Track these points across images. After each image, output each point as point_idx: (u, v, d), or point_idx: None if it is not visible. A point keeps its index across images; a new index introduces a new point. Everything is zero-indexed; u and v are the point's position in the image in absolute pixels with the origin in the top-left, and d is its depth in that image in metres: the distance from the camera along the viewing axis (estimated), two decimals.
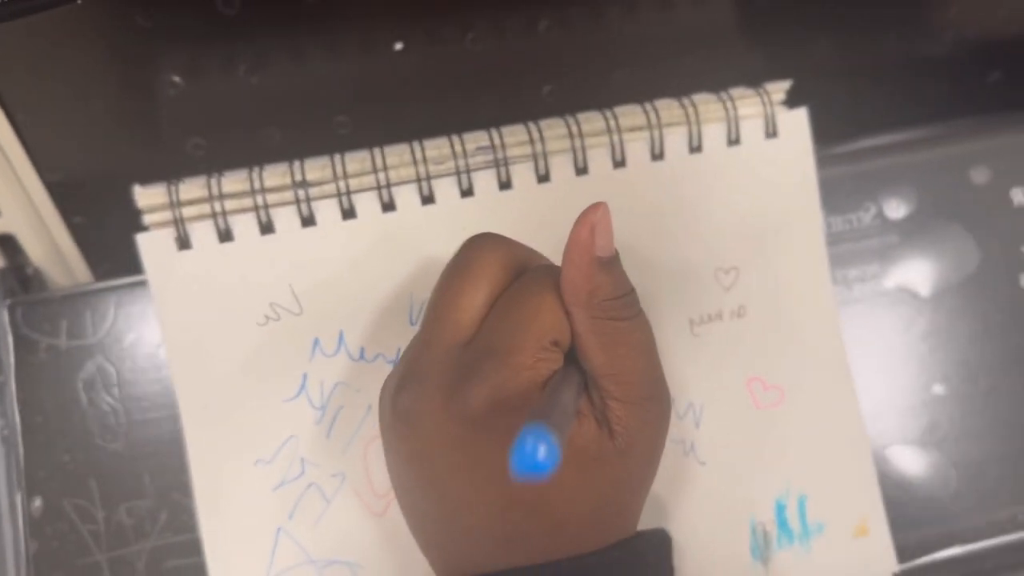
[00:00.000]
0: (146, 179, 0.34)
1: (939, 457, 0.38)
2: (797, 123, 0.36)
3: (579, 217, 0.28)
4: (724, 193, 0.36)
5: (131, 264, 0.36)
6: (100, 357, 0.36)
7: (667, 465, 0.31)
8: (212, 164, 0.35)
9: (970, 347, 0.39)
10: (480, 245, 0.30)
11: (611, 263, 0.28)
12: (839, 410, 0.37)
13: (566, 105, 0.36)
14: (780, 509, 0.36)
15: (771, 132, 0.36)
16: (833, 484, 0.36)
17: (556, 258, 0.33)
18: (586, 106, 0.36)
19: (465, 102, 0.39)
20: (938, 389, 0.39)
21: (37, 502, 0.35)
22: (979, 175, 0.40)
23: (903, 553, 0.37)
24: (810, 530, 0.36)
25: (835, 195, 0.39)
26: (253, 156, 0.35)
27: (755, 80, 0.36)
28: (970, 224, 0.40)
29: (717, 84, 0.36)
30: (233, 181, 0.34)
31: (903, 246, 0.39)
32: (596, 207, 0.28)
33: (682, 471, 0.36)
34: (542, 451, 0.21)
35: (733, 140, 0.36)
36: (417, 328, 0.35)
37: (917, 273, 0.39)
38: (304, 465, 0.35)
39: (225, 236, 0.34)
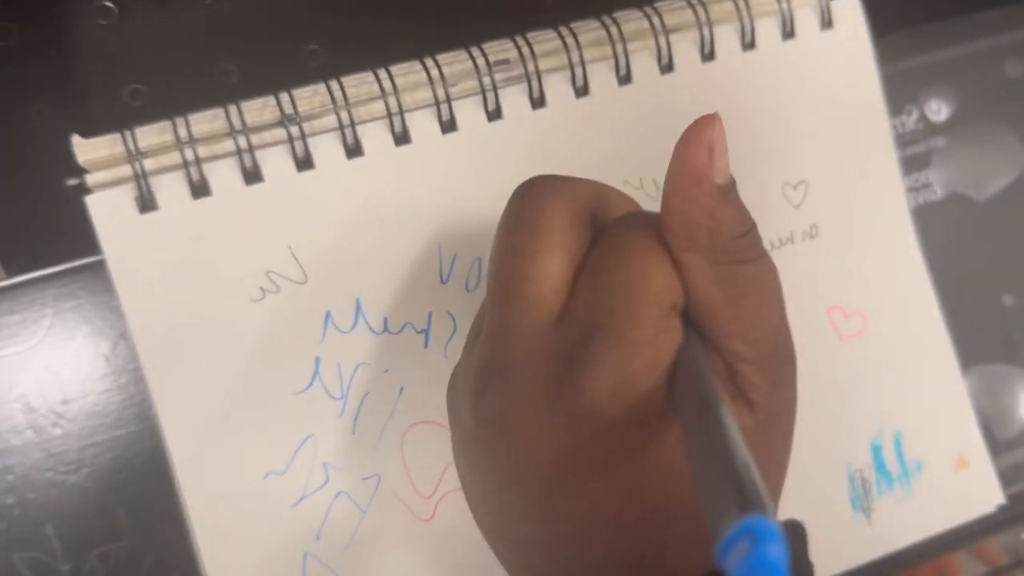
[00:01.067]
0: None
1: (1018, 372, 0.35)
2: (852, 11, 0.32)
3: (687, 134, 0.22)
4: (783, 95, 0.31)
5: (59, 248, 0.29)
6: (39, 367, 0.28)
7: None
8: (157, 115, 0.28)
9: None
10: (543, 193, 0.24)
11: (732, 191, 0.22)
12: (925, 334, 0.33)
13: (572, 9, 0.31)
14: (876, 451, 0.32)
15: (826, 22, 0.31)
16: (927, 416, 0.32)
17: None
18: (595, 10, 0.30)
19: (453, 17, 0.32)
20: (1008, 300, 0.35)
21: None
22: (1016, 69, 0.37)
23: (1001, 481, 0.33)
24: (909, 470, 0.32)
25: None
26: (210, 101, 0.28)
27: None
28: (1013, 122, 0.37)
29: None
30: (205, 121, 0.27)
31: (950, 148, 0.36)
32: (710, 120, 0.21)
33: None
34: (774, 550, 0.15)
35: (788, 33, 0.31)
36: (450, 287, 0.28)
37: (968, 177, 0.36)
38: (328, 471, 0.28)
39: (200, 190, 0.27)
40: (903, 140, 0.35)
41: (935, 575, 0.37)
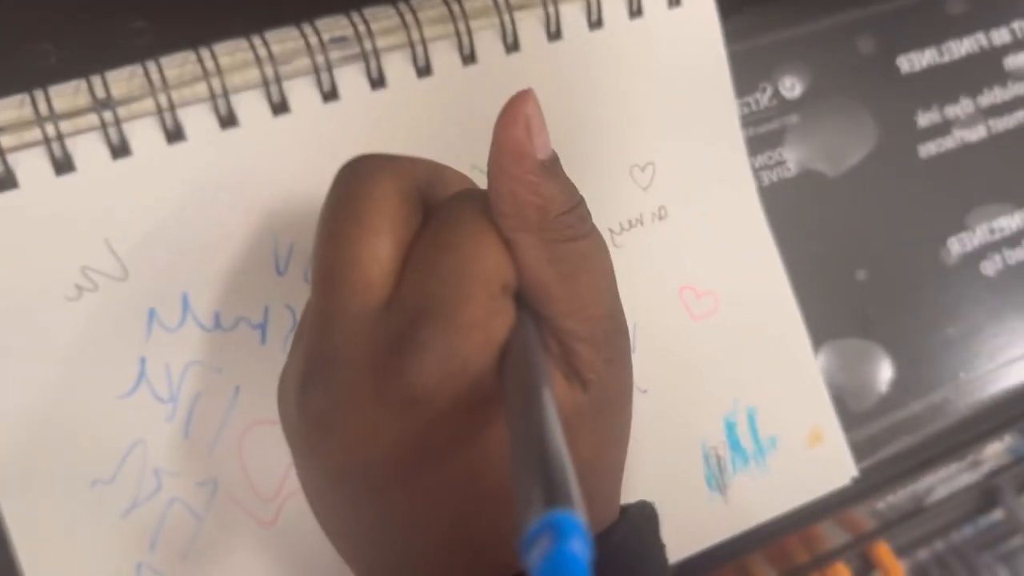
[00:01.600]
0: None
1: (871, 347, 0.35)
2: None
3: (504, 112, 0.21)
4: (629, 75, 0.31)
5: None
6: None
7: None
8: None
9: (884, 226, 0.36)
10: (365, 173, 0.22)
11: (555, 166, 0.21)
12: (777, 311, 0.33)
13: None
14: (731, 428, 0.32)
15: (675, 0, 0.31)
16: (781, 393, 0.33)
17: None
18: None
19: None
20: (860, 274, 0.36)
21: None
22: (865, 45, 0.37)
23: (854, 454, 0.34)
24: (764, 447, 0.32)
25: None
26: (24, 83, 0.26)
27: None
28: (864, 96, 0.37)
29: None
30: (7, 107, 0.24)
31: (802, 124, 0.36)
32: (524, 96, 0.21)
33: None
34: (577, 548, 0.14)
35: (635, 12, 0.30)
36: (287, 278, 0.27)
37: (821, 153, 0.36)
38: (160, 477, 0.26)
39: (6, 182, 0.24)
40: (757, 118, 0.35)
41: (798, 541, 0.38)
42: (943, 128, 0.38)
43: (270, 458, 0.27)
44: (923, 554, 0.48)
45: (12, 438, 0.25)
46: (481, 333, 0.21)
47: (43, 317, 0.25)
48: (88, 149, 0.25)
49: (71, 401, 0.25)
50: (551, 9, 0.29)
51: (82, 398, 0.25)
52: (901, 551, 0.46)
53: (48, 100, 0.25)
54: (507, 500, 0.21)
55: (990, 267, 0.38)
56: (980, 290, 0.38)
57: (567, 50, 0.30)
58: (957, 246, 0.38)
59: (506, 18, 0.29)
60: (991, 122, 0.39)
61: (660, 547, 0.26)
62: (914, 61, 0.38)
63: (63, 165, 0.25)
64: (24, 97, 0.25)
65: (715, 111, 0.32)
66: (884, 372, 0.35)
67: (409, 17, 0.28)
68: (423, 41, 0.28)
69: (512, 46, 0.29)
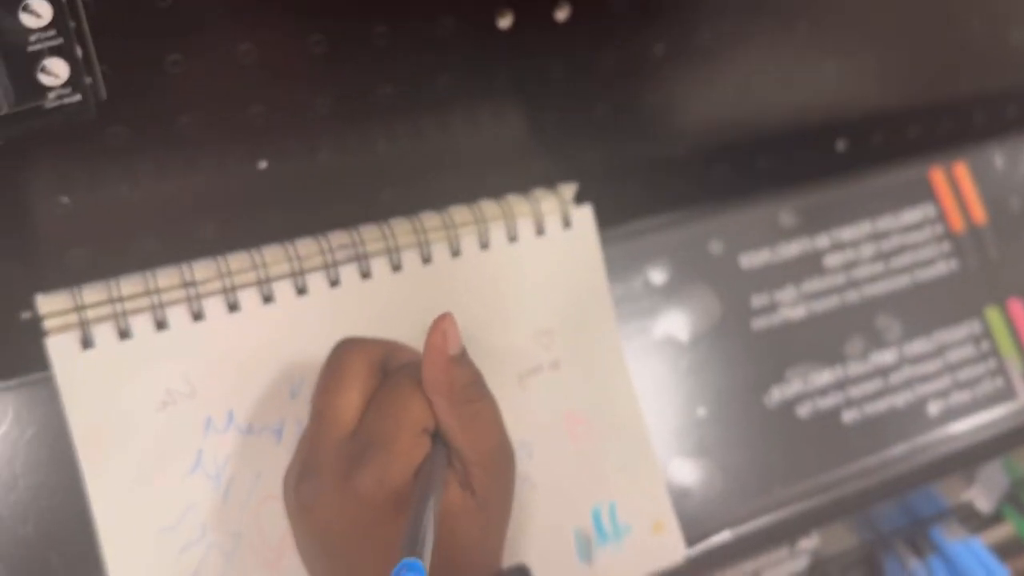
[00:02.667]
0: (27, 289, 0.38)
1: (708, 463, 0.49)
2: (585, 216, 0.47)
3: (432, 326, 0.34)
4: (536, 273, 0.46)
5: (12, 366, 0.40)
6: None
7: None
8: (93, 272, 0.40)
9: (721, 378, 0.51)
10: (347, 349, 0.38)
11: (461, 357, 0.35)
12: (632, 434, 0.47)
13: (400, 206, 0.45)
14: (596, 516, 0.46)
15: (567, 223, 0.46)
16: (634, 493, 0.46)
17: (412, 332, 0.41)
18: (415, 207, 0.44)
19: (316, 209, 0.46)
20: (701, 411, 0.50)
21: None
22: (715, 246, 0.53)
23: (689, 539, 0.47)
24: (621, 530, 0.46)
25: (613, 268, 0.50)
26: (131, 265, 0.40)
27: (539, 183, 0.46)
28: (712, 284, 0.52)
29: (515, 187, 0.46)
30: (130, 284, 0.39)
31: (665, 304, 0.51)
32: (444, 317, 0.34)
33: (520, 496, 0.44)
34: None
35: (540, 231, 0.46)
36: (297, 400, 0.41)
37: (677, 325, 0.51)
38: (204, 529, 0.40)
39: (125, 334, 0.39)
40: (632, 297, 0.50)
41: None
42: (771, 308, 0.53)
43: (278, 522, 0.40)
44: None
45: (115, 498, 0.38)
46: (405, 458, 0.35)
47: (140, 420, 0.39)
48: (177, 314, 0.40)
49: (153, 475, 0.39)
50: (482, 227, 0.44)
51: (160, 473, 0.39)
52: None
53: (156, 279, 0.39)
54: None
55: (803, 410, 0.52)
56: (794, 427, 0.52)
57: (494, 256, 0.45)
58: (778, 393, 0.52)
59: (451, 233, 0.44)
60: (810, 304, 0.54)
61: None
62: (753, 259, 0.54)
63: (162, 324, 0.39)
64: (141, 276, 0.39)
65: (594, 296, 0.47)
66: (716, 482, 0.49)
67: (387, 231, 0.43)
68: (397, 249, 0.43)
69: (456, 252, 0.44)
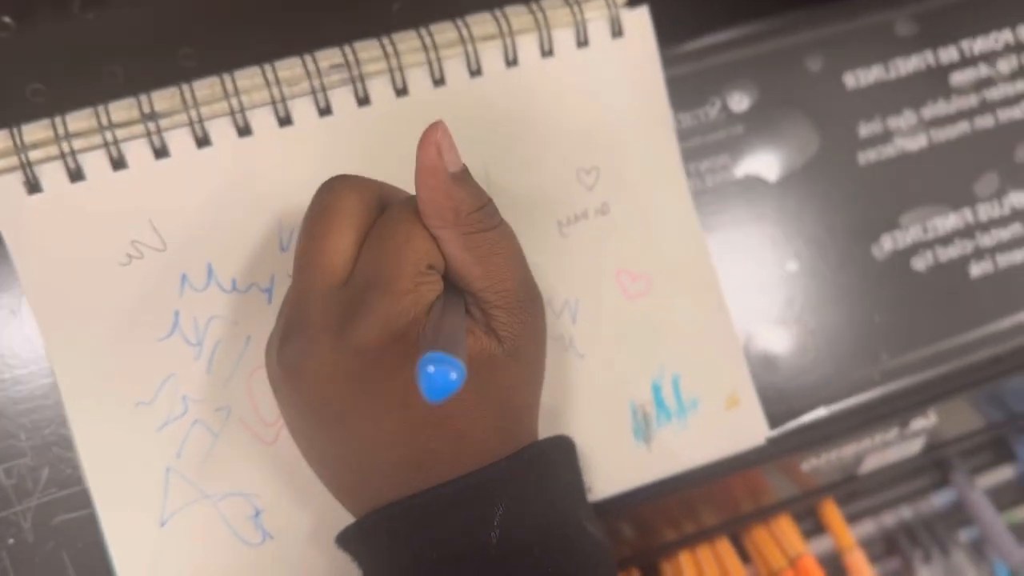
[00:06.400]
0: None
1: (798, 328, 0.41)
2: (640, 21, 0.37)
3: (421, 140, 0.28)
4: (578, 96, 0.37)
5: None
6: None
7: (549, 361, 0.33)
8: (55, 110, 0.34)
9: (817, 224, 0.42)
10: (339, 187, 0.30)
11: (464, 176, 0.28)
12: (702, 293, 0.39)
13: (416, 19, 0.36)
14: (656, 390, 0.38)
15: (617, 32, 0.37)
16: (703, 362, 0.38)
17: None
18: (434, 19, 0.36)
19: (312, 23, 0.38)
20: (792, 266, 0.41)
21: None
22: (813, 63, 0.43)
23: (774, 420, 0.39)
24: (685, 406, 0.38)
25: (681, 92, 0.41)
26: (98, 97, 0.34)
27: None
28: (809, 110, 0.42)
29: None
30: (78, 119, 0.33)
31: (748, 136, 0.42)
32: (435, 127, 0.28)
33: (563, 365, 0.37)
34: (452, 374, 0.22)
35: (582, 42, 0.37)
36: (289, 254, 0.35)
37: (763, 161, 0.42)
38: (187, 403, 0.34)
39: (76, 175, 0.33)
40: (705, 128, 0.41)
41: (744, 489, 0.44)
42: (884, 137, 0.43)
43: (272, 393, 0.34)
44: (888, 520, 0.53)
45: (80, 367, 0.33)
46: (410, 297, 0.28)
47: (103, 277, 0.33)
48: (137, 151, 0.33)
49: (123, 342, 0.33)
50: (508, 41, 0.36)
51: (131, 340, 0.34)
52: (856, 517, 0.51)
53: (108, 113, 0.33)
54: (437, 424, 0.29)
55: (920, 263, 0.43)
56: (908, 284, 0.42)
57: (523, 75, 0.36)
58: (889, 243, 0.42)
59: (470, 48, 0.35)
60: (932, 132, 0.44)
61: (573, 471, 0.32)
62: (860, 77, 0.43)
63: (118, 163, 0.33)
64: (92, 110, 0.33)
65: (653, 125, 0.38)
66: (808, 350, 0.41)
67: (389, 48, 0.35)
68: (400, 68, 0.35)
69: (475, 71, 0.36)
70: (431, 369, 0.22)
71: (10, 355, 0.35)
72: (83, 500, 0.34)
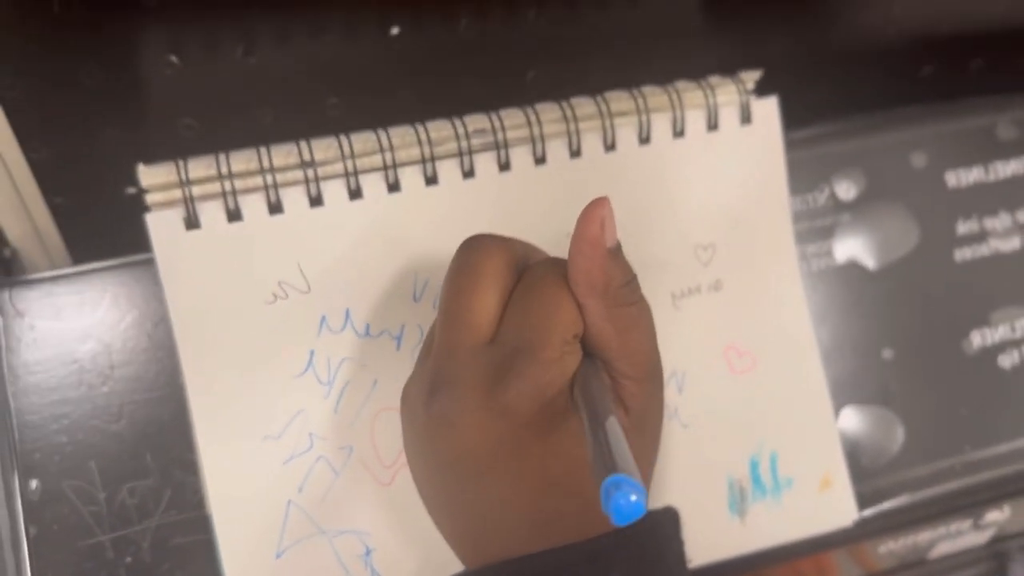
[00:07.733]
0: (134, 160, 0.34)
1: (889, 414, 0.42)
2: (768, 110, 0.39)
3: (585, 212, 0.29)
4: (703, 176, 0.39)
5: (113, 246, 0.36)
6: (95, 339, 0.36)
7: None
8: (203, 144, 0.35)
9: (912, 315, 0.43)
10: (483, 246, 0.31)
11: (618, 251, 0.30)
12: (804, 374, 0.40)
13: (547, 90, 0.38)
14: (754, 466, 0.39)
15: (745, 118, 0.39)
16: (800, 442, 0.40)
17: (554, 236, 0.35)
18: (564, 92, 0.38)
19: (452, 84, 0.40)
20: (887, 353, 0.43)
21: (34, 485, 0.35)
22: (918, 159, 0.44)
23: (860, 501, 0.41)
24: (780, 484, 0.39)
25: (793, 177, 0.42)
26: (246, 137, 0.35)
27: (711, 71, 0.39)
28: (911, 204, 0.44)
29: (682, 74, 0.39)
30: (241, 160, 0.34)
31: (853, 224, 0.43)
32: (602, 202, 0.29)
33: (667, 434, 0.38)
34: (634, 498, 0.23)
35: (712, 126, 0.38)
36: (421, 304, 0.36)
37: (865, 249, 0.43)
38: (312, 439, 0.35)
39: (234, 216, 0.34)
40: (813, 213, 0.43)
41: (813, 570, 0.45)
42: (980, 236, 0.45)
43: (393, 436, 0.36)
44: None
45: (215, 397, 0.35)
46: (557, 367, 0.29)
47: (247, 314, 0.35)
48: (294, 197, 0.35)
49: (259, 375, 0.35)
50: (643, 118, 0.37)
51: (267, 374, 0.35)
52: None
53: (270, 156, 0.34)
54: (567, 488, 0.30)
55: (1007, 361, 0.44)
56: (995, 380, 0.44)
57: (653, 152, 0.38)
58: (979, 339, 0.44)
59: (607, 123, 0.37)
60: None
61: (679, 541, 0.33)
62: (961, 177, 0.45)
63: (275, 207, 0.35)
64: (253, 152, 0.35)
65: (771, 209, 0.39)
66: (897, 437, 0.42)
67: (533, 118, 0.36)
68: (542, 138, 0.37)
69: (610, 146, 0.37)
70: (617, 493, 0.23)
71: (146, 378, 0.36)
72: (201, 525, 0.35)
